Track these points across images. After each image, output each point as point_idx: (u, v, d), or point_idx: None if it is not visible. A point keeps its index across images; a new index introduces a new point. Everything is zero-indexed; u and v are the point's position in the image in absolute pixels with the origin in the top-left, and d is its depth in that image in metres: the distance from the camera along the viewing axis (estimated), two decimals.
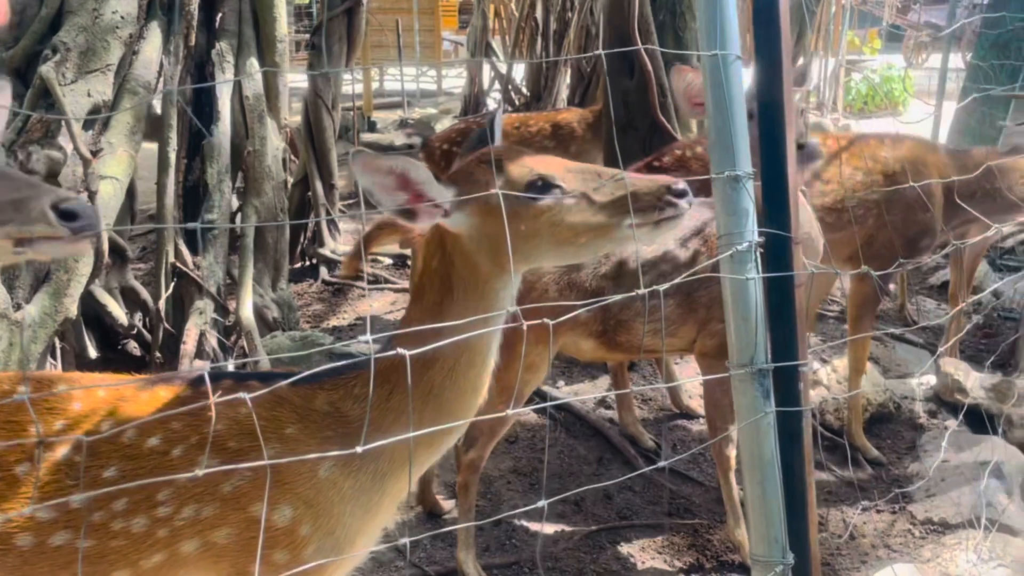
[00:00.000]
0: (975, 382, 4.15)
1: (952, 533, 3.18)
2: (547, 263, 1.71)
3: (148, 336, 4.09)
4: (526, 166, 1.63)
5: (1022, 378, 4.34)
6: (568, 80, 9.72)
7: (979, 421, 3.91)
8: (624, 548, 3.26)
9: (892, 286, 5.75)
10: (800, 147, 2.53)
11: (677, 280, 1.89)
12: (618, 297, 1.85)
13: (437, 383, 1.65)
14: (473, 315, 1.59)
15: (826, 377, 4.21)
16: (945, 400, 4.21)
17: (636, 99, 4.37)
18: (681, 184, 1.61)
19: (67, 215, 1.34)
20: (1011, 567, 2.94)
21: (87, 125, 3.71)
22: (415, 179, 1.56)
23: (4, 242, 1.36)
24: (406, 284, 5.85)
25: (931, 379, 4.38)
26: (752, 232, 1.80)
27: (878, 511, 3.44)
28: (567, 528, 3.36)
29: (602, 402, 4.33)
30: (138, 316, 4.17)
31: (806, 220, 2.61)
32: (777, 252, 1.85)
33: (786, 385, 1.89)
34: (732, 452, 3.01)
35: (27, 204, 1.34)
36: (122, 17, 3.72)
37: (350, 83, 7.44)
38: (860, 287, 3.73)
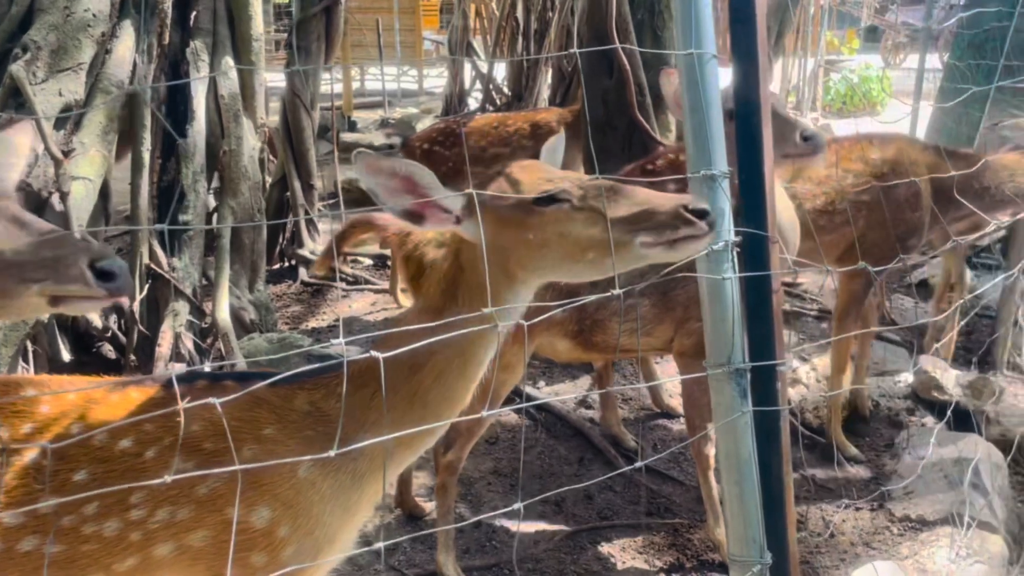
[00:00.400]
0: (952, 380, 4.18)
1: (930, 530, 3.20)
2: (557, 277, 1.67)
3: (123, 339, 4.03)
4: (539, 176, 1.62)
5: (998, 375, 4.38)
6: (549, 80, 9.73)
7: (957, 418, 3.94)
8: (605, 548, 3.26)
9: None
10: (807, 139, 2.53)
11: (652, 280, 1.88)
12: (593, 298, 1.84)
13: (425, 386, 1.63)
14: (472, 323, 1.56)
15: (805, 375, 4.23)
16: (923, 398, 4.23)
17: (615, 98, 4.37)
18: (701, 204, 1.56)
19: (103, 275, 1.37)
20: (988, 563, 2.96)
21: (58, 125, 3.65)
22: (420, 182, 1.55)
23: (39, 299, 1.39)
24: (386, 285, 5.82)
25: (908, 377, 4.41)
26: (728, 231, 1.79)
27: (857, 509, 3.46)
28: (548, 529, 3.35)
29: (583, 402, 4.33)
30: (112, 319, 4.12)
31: (783, 208, 2.60)
32: (754, 251, 1.85)
33: (764, 384, 1.88)
34: (711, 451, 3.00)
35: (65, 263, 1.37)
36: (94, 15, 3.66)
37: (329, 82, 7.39)
38: (849, 285, 3.72)
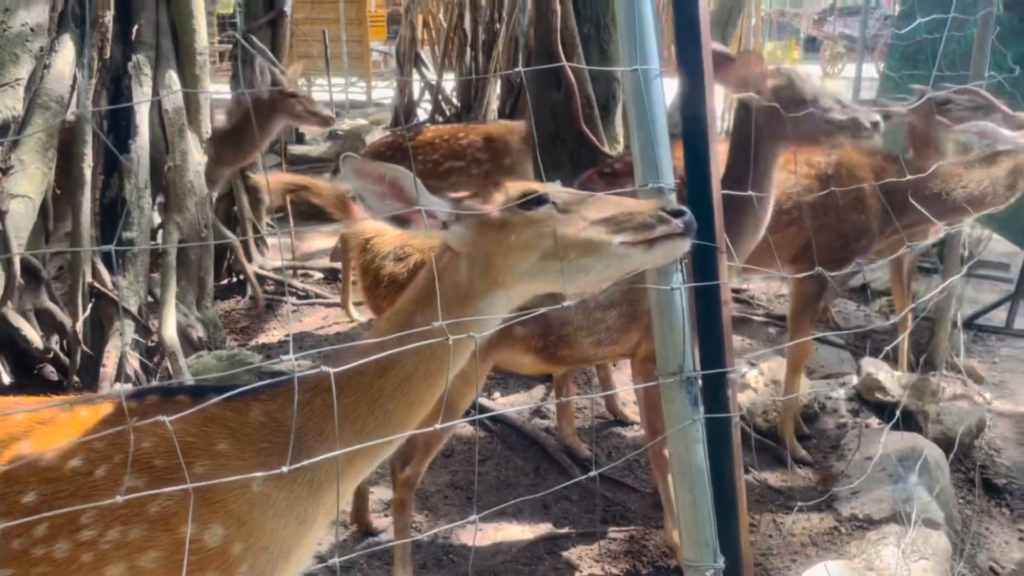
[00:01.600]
0: (895, 381, 4.30)
1: (876, 529, 3.28)
2: (538, 283, 1.69)
3: (66, 360, 3.92)
4: (527, 186, 1.67)
5: (938, 376, 4.53)
6: (498, 91, 9.76)
7: (900, 418, 4.05)
8: (562, 557, 3.27)
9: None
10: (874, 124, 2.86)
11: (604, 289, 1.91)
12: (547, 309, 1.85)
13: (387, 392, 1.62)
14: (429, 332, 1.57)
15: (754, 380, 4.31)
16: (867, 399, 4.35)
17: (563, 111, 4.41)
18: (681, 206, 1.62)
19: None
20: (931, 559, 3.05)
21: None
22: (407, 188, 1.58)
23: None
24: (337, 299, 5.77)
25: (853, 379, 4.52)
26: None
27: (806, 510, 3.53)
28: (505, 540, 3.35)
29: (538, 412, 4.34)
30: (55, 339, 4.00)
31: None
32: (703, 262, 1.89)
33: (715, 392, 1.92)
34: None
35: None
36: (32, 29, 3.57)
37: None
38: (801, 288, 3.79)
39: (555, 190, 1.67)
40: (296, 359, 1.48)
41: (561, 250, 1.59)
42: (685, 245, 1.62)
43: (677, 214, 1.60)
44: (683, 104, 1.85)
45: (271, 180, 3.07)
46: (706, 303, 1.88)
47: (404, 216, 1.61)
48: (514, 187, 1.67)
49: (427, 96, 11.28)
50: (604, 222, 1.60)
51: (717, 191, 1.83)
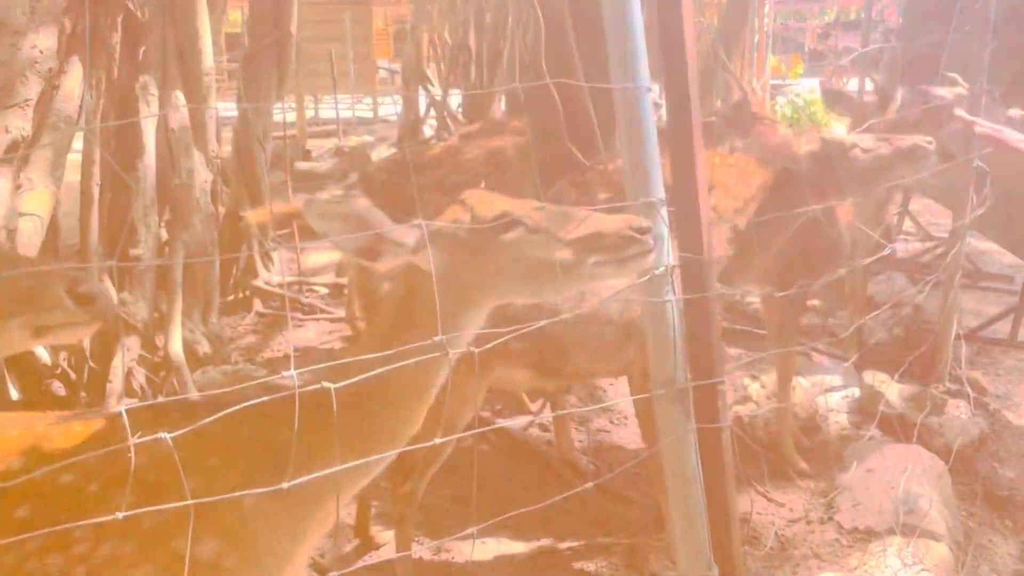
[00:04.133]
0: (896, 393, 4.30)
1: (877, 540, 3.28)
2: (513, 299, 1.75)
3: (73, 375, 3.97)
4: (493, 203, 1.67)
5: (940, 388, 4.52)
6: (503, 107, 9.84)
7: (902, 430, 4.05)
8: (563, 570, 3.28)
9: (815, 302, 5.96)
10: None
11: (591, 305, 1.94)
12: (545, 322, 1.88)
13: (376, 408, 1.65)
14: (423, 350, 1.59)
15: (755, 393, 4.31)
16: (869, 411, 4.35)
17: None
18: (645, 221, 1.66)
19: (84, 299, 1.40)
20: (933, 571, 3.05)
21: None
22: (371, 221, 1.59)
23: (22, 331, 1.41)
24: (342, 313, 5.81)
25: (855, 391, 4.52)
26: (668, 256, 1.86)
27: (808, 522, 3.53)
28: (507, 554, 3.36)
29: (540, 425, 4.36)
30: (62, 355, 4.05)
31: None
32: (691, 275, 1.92)
33: (706, 402, 1.95)
34: None
35: (42, 293, 1.39)
36: (41, 51, 3.65)
37: (282, 111, 7.40)
38: (779, 302, 3.84)
39: (524, 206, 1.67)
40: (299, 373, 1.50)
41: (536, 272, 1.62)
42: (652, 258, 1.67)
43: (644, 231, 1.63)
44: (670, 119, 1.89)
45: (260, 215, 3.13)
46: (695, 314, 1.91)
47: (373, 247, 1.61)
48: (483, 208, 1.66)
49: (433, 112, 11.38)
50: (576, 242, 1.62)
51: (705, 204, 1.87)
